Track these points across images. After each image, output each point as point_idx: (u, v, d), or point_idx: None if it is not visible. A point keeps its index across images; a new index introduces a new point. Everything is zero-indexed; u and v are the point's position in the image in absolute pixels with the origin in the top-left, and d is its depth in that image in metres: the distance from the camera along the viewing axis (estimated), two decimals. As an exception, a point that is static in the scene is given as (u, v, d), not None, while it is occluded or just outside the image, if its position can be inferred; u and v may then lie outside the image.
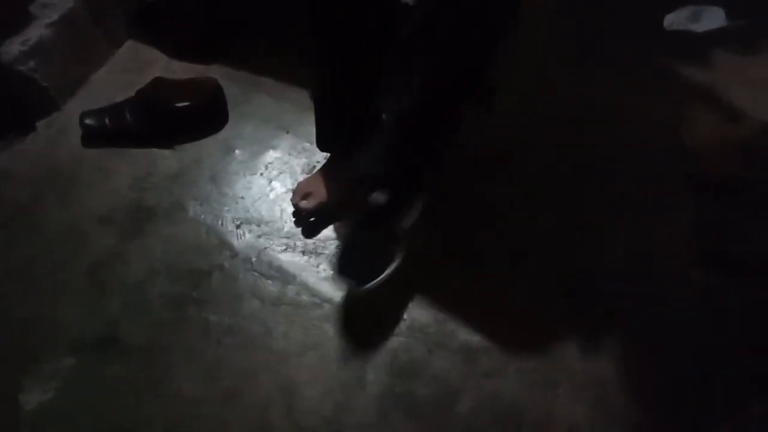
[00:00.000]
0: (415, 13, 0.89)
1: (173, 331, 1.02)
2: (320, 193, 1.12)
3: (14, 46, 1.19)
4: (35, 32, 1.21)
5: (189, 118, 1.26)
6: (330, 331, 1.03)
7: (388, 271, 1.04)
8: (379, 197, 1.03)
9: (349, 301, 1.06)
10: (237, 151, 1.26)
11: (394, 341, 1.02)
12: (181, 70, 1.37)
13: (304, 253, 1.12)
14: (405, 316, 1.05)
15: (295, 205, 1.14)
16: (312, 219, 1.14)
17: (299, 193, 1.14)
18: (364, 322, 1.04)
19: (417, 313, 1.05)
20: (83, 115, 1.23)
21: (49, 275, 1.08)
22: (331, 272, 1.09)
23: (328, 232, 1.15)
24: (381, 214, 1.03)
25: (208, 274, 1.09)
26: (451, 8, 0.82)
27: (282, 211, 1.17)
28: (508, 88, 0.97)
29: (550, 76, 1.36)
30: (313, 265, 1.11)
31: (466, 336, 1.02)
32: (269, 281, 1.08)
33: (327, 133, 1.12)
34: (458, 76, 0.93)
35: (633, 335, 1.03)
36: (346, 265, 1.03)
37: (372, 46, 0.97)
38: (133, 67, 1.38)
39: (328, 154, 1.18)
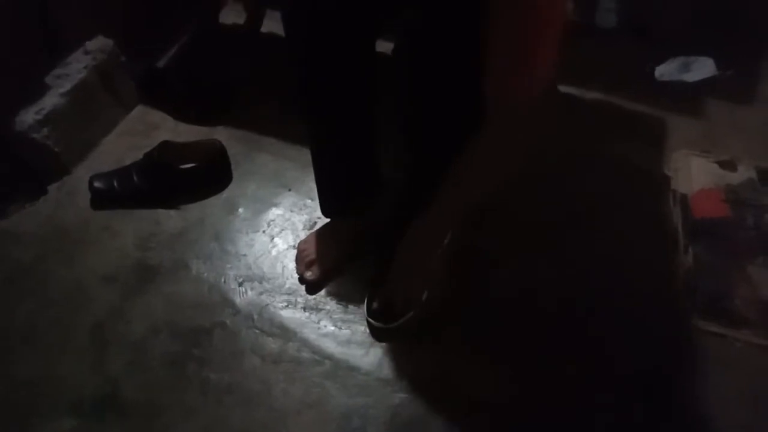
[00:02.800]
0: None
1: (173, 389, 1.02)
2: (323, 260, 1.14)
3: (29, 115, 1.24)
4: (49, 101, 1.27)
5: (194, 178, 1.30)
6: (330, 388, 1.02)
7: (414, 312, 1.06)
8: None
9: (374, 342, 1.07)
10: (240, 210, 1.29)
11: (395, 398, 1.01)
12: (187, 132, 1.42)
13: (305, 309, 1.13)
14: (406, 370, 1.04)
15: (300, 275, 1.15)
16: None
17: (302, 262, 1.15)
18: (364, 379, 1.03)
19: (418, 367, 1.04)
20: (92, 179, 1.27)
21: (51, 334, 1.09)
22: (333, 328, 1.10)
23: (330, 288, 1.16)
24: None
25: (210, 332, 1.09)
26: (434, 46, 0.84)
27: (284, 267, 1.19)
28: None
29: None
30: (314, 322, 1.11)
31: (469, 391, 1.01)
32: (270, 338, 1.09)
33: (328, 196, 1.15)
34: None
35: (633, 386, 1.01)
36: (373, 307, 1.07)
37: (358, 100, 1.01)
38: (142, 131, 1.44)
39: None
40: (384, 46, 0.99)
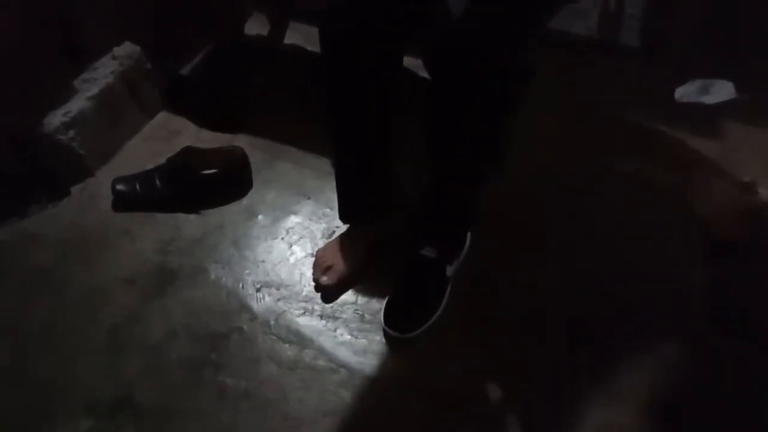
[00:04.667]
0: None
1: (189, 394, 1.02)
2: (340, 266, 1.15)
3: (56, 118, 1.26)
4: (76, 105, 1.29)
5: (215, 184, 1.31)
6: (346, 397, 1.02)
7: (430, 322, 1.08)
8: (428, 252, 1.10)
9: (390, 352, 1.08)
10: (259, 217, 1.30)
11: (409, 409, 1.00)
12: (209, 139, 1.44)
13: (321, 317, 1.13)
14: (422, 382, 1.03)
15: (316, 281, 1.16)
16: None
17: (320, 267, 1.16)
18: (380, 388, 1.03)
19: (435, 379, 1.04)
20: (115, 181, 1.29)
21: (69, 336, 1.10)
22: (349, 336, 1.10)
23: (347, 296, 1.16)
24: (430, 267, 1.10)
25: (227, 337, 1.10)
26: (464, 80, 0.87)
27: (301, 275, 1.19)
28: (516, 152, 1.01)
29: (559, 143, 1.40)
30: (330, 330, 1.11)
31: (486, 405, 1.01)
32: (286, 345, 1.09)
33: (348, 202, 1.16)
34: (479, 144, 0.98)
35: (649, 402, 1.00)
36: (391, 316, 1.08)
37: (382, 112, 1.03)
38: (164, 137, 1.45)
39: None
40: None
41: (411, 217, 1.17)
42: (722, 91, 1.51)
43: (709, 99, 1.50)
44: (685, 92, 1.52)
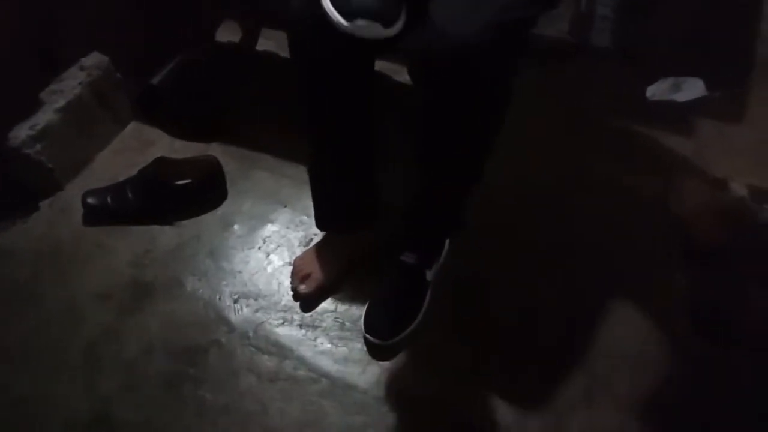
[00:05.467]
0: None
1: (168, 410, 1.01)
2: (318, 274, 1.14)
3: (23, 131, 1.23)
4: (43, 117, 1.26)
5: (189, 195, 1.29)
6: (327, 407, 1.01)
7: (411, 328, 1.08)
8: (408, 257, 1.10)
9: (371, 360, 1.07)
10: (235, 226, 1.28)
11: (393, 417, 1.00)
12: (182, 148, 1.42)
13: (301, 326, 1.12)
14: (403, 389, 1.03)
15: (294, 290, 1.15)
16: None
17: (297, 275, 1.15)
18: (362, 397, 1.02)
19: (416, 387, 1.03)
20: (86, 195, 1.26)
21: (45, 353, 1.08)
22: (329, 345, 1.09)
23: (326, 304, 1.15)
24: (409, 273, 1.10)
25: (205, 351, 1.08)
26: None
27: (279, 284, 1.18)
28: (493, 160, 1.02)
29: (534, 149, 1.40)
30: (310, 339, 1.10)
31: (466, 414, 1.00)
32: (266, 356, 1.07)
33: (324, 210, 1.15)
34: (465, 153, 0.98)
35: (634, 409, 1.01)
36: (372, 323, 1.07)
37: (360, 119, 1.02)
38: (136, 147, 1.43)
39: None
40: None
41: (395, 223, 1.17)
42: (693, 88, 1.53)
43: (681, 97, 1.52)
44: (656, 91, 1.54)
